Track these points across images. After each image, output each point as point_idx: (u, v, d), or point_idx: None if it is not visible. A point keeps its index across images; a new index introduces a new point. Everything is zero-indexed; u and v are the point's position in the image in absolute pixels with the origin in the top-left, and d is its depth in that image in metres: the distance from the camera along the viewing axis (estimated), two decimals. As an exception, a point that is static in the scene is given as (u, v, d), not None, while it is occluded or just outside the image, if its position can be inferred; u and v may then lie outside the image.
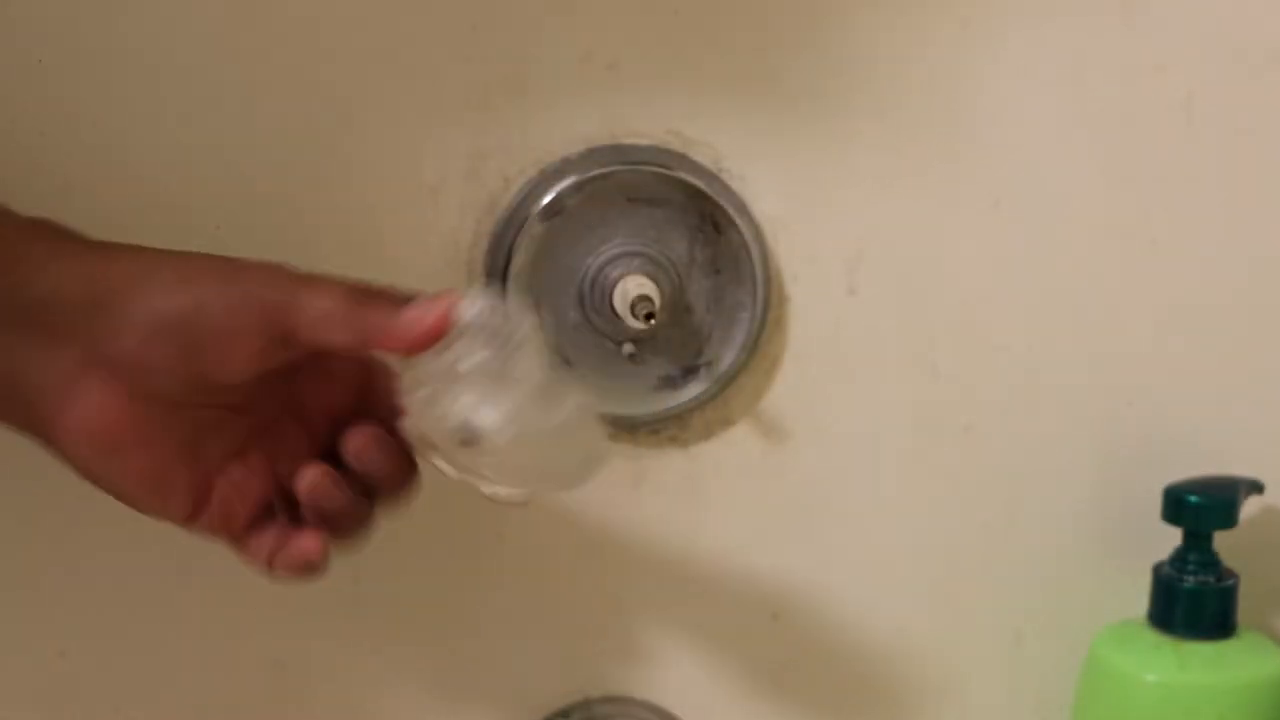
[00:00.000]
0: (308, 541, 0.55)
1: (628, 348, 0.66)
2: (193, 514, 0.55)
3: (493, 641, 0.69)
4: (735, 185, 0.66)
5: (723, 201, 0.65)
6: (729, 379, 0.67)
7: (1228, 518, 0.67)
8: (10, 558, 0.64)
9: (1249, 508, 0.68)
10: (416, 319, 0.52)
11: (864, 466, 0.69)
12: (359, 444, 0.55)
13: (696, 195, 0.65)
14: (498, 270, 0.64)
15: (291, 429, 0.56)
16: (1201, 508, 0.67)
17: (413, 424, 0.54)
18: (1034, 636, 0.72)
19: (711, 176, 0.65)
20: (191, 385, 0.52)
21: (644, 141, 0.65)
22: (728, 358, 0.67)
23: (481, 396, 0.52)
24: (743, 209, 0.66)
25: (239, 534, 0.56)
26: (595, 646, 0.70)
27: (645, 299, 0.62)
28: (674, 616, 0.69)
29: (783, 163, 0.66)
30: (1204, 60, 0.67)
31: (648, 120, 0.65)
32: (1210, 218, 0.69)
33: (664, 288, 0.64)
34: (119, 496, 0.54)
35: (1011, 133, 0.67)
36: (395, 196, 0.64)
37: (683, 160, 0.65)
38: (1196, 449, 0.70)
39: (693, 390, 0.67)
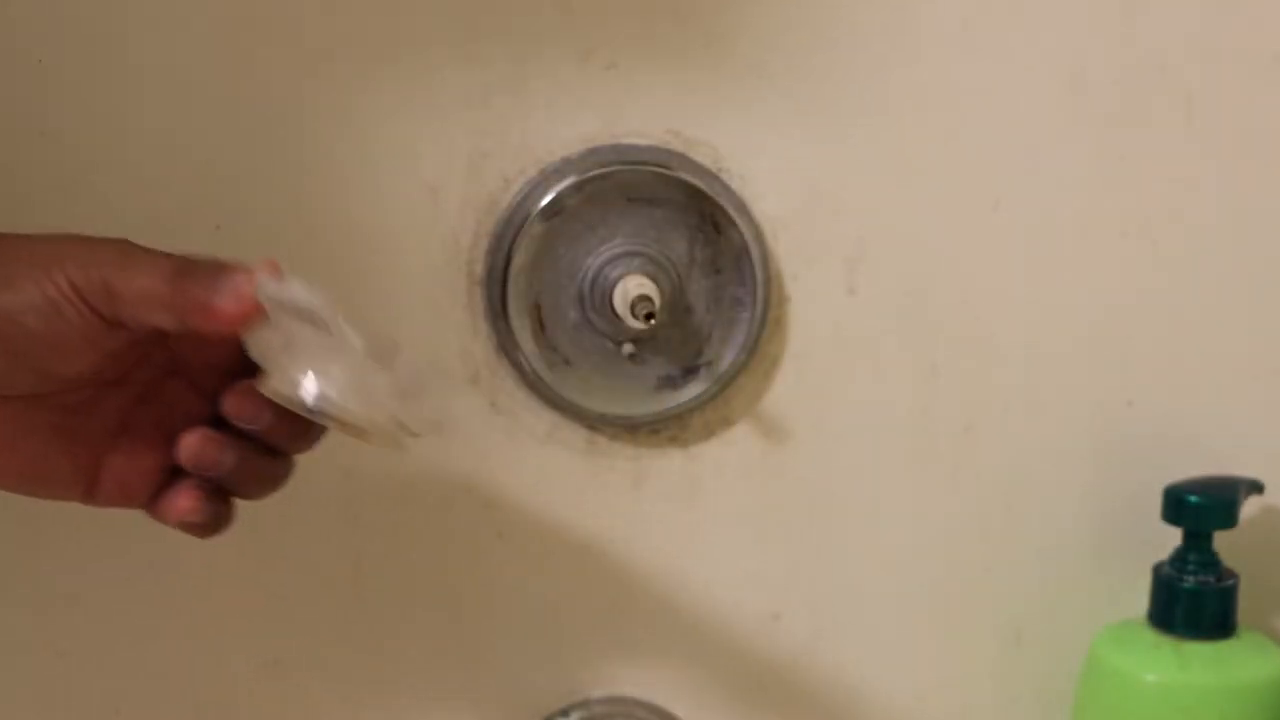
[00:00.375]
0: (183, 500, 0.53)
1: (628, 348, 0.66)
2: (88, 493, 0.53)
3: (493, 641, 0.69)
4: (735, 185, 0.66)
5: (723, 201, 0.65)
6: (729, 379, 0.67)
7: (1228, 518, 0.67)
8: (10, 558, 0.64)
9: (1249, 508, 0.68)
10: (227, 302, 0.50)
11: (864, 466, 0.69)
12: (235, 404, 0.53)
13: (696, 195, 0.65)
14: (498, 270, 0.64)
15: (179, 390, 0.55)
16: (1201, 508, 0.67)
17: (269, 391, 0.52)
18: (1034, 636, 0.72)
19: (711, 176, 0.65)
20: (39, 380, 0.51)
21: (644, 141, 0.65)
22: (728, 358, 0.67)
23: (317, 371, 0.51)
24: (743, 209, 0.66)
25: (146, 504, 0.54)
26: (595, 646, 0.70)
27: (645, 299, 0.62)
28: (673, 617, 0.69)
29: (783, 162, 0.66)
30: (1204, 60, 0.67)
31: (648, 120, 0.65)
32: (1210, 218, 0.69)
33: (664, 288, 0.64)
34: (8, 491, 0.53)
35: (1011, 133, 0.67)
36: (395, 196, 0.64)
37: (683, 160, 0.65)
38: (1196, 449, 0.70)
39: (693, 390, 0.67)
